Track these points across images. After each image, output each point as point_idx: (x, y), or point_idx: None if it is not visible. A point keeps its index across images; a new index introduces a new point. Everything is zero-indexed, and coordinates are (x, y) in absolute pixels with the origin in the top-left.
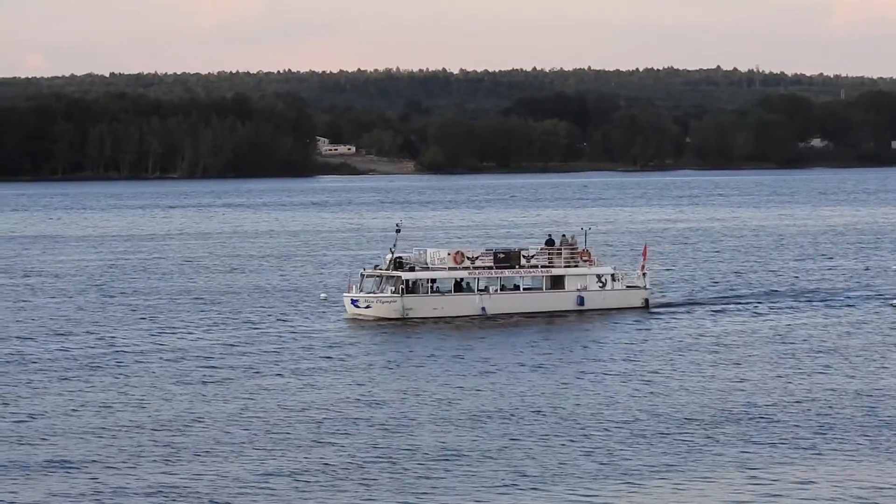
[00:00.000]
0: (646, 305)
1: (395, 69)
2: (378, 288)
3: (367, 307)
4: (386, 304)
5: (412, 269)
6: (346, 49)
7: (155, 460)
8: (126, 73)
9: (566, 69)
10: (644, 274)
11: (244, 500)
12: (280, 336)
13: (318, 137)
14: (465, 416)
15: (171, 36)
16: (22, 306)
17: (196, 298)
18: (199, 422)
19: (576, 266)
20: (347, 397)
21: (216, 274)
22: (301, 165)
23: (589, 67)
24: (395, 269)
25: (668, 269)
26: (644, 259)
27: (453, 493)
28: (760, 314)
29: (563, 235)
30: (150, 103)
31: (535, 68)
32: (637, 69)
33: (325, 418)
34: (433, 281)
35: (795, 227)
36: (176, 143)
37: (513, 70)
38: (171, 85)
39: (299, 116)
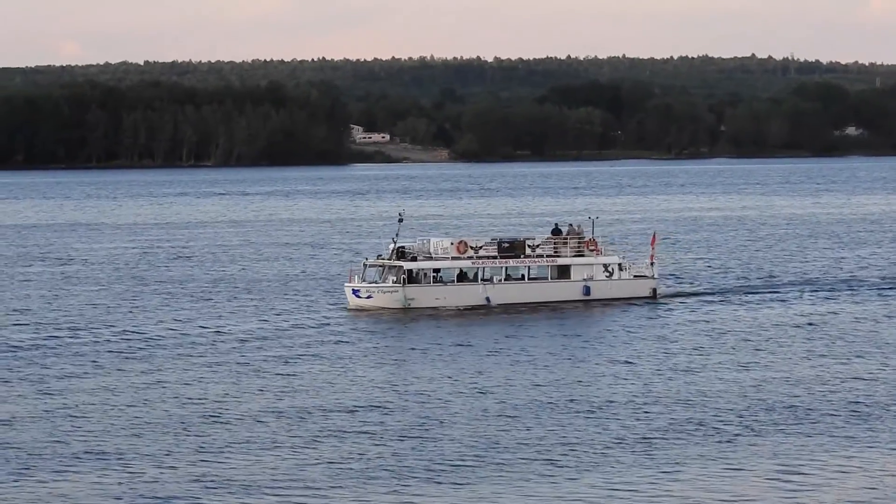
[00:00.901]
0: (653, 295)
1: (429, 57)
2: (381, 278)
3: (369, 297)
4: (387, 294)
5: (414, 259)
6: (380, 37)
7: (188, 449)
8: (161, 61)
9: (600, 57)
10: (652, 263)
11: (279, 489)
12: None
13: (352, 126)
14: (489, 407)
15: (205, 24)
16: (57, 294)
17: (221, 286)
18: (227, 411)
19: (582, 255)
20: (363, 387)
21: (245, 262)
22: (335, 154)
23: (623, 55)
24: (398, 258)
25: (682, 259)
26: (653, 248)
27: (487, 481)
28: (775, 304)
29: (570, 224)
30: (185, 91)
31: (569, 56)
32: (671, 57)
33: (353, 407)
34: (437, 271)
35: (828, 216)
36: (210, 131)
37: (547, 58)
38: (205, 73)
39: (333, 105)
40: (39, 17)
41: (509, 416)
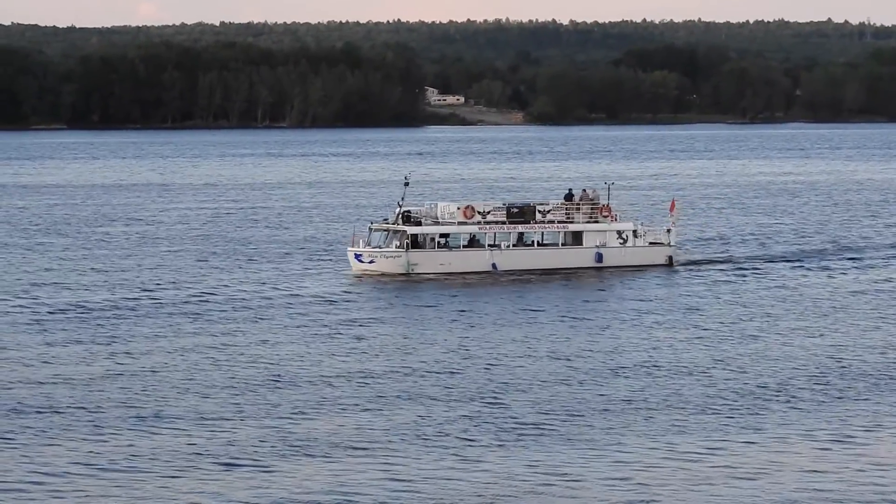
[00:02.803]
0: (670, 263)
1: (504, 20)
2: (385, 242)
3: (371, 262)
4: (390, 260)
5: (419, 224)
6: None
7: (257, 411)
8: (236, 21)
9: (676, 21)
10: (669, 230)
11: (346, 453)
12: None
13: (427, 88)
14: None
15: None
16: (131, 254)
17: (295, 248)
18: (294, 373)
19: (595, 222)
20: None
21: (318, 224)
22: (410, 115)
23: (699, 19)
24: (404, 223)
25: (713, 226)
26: (672, 214)
27: (545, 450)
28: (798, 273)
29: (584, 190)
30: (260, 52)
31: (644, 20)
32: (747, 21)
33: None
34: (444, 236)
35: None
36: (285, 92)
37: (623, 21)
38: (281, 34)
39: (408, 66)
40: None
41: (538, 385)
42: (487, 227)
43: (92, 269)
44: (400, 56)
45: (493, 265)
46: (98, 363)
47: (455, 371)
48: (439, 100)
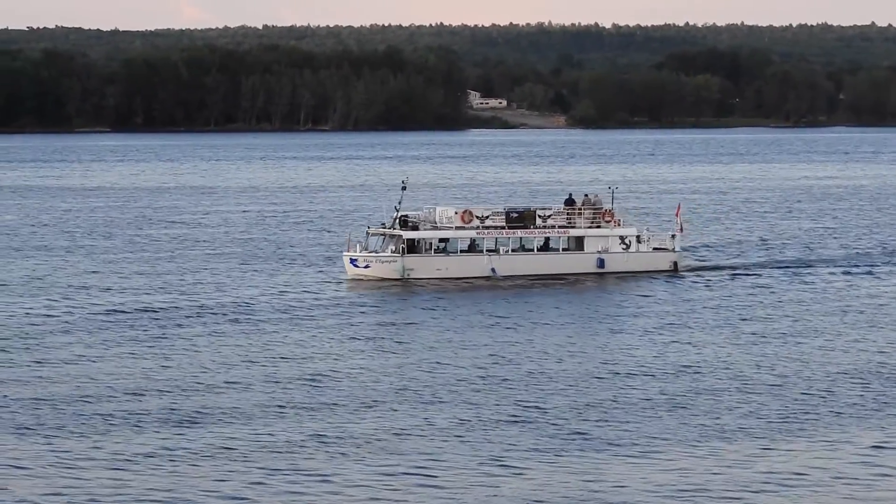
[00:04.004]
0: (675, 269)
1: (547, 23)
2: (381, 247)
3: (366, 267)
4: (385, 264)
5: (415, 228)
6: (498, 2)
7: (297, 409)
8: (279, 25)
9: (719, 24)
10: (674, 235)
11: (383, 455)
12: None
13: (470, 91)
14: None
15: None
16: (171, 256)
17: (334, 250)
18: (331, 371)
19: (598, 227)
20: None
21: (359, 226)
22: (452, 118)
23: (742, 23)
24: (401, 227)
25: (726, 232)
26: (678, 219)
27: (587, 456)
28: (807, 280)
29: (586, 195)
30: (303, 55)
31: (687, 23)
32: (790, 25)
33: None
34: (444, 240)
35: None
36: (328, 95)
37: (665, 25)
38: (323, 37)
39: (451, 69)
40: None
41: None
42: (486, 231)
43: (136, 272)
44: (442, 59)
45: (492, 270)
46: (136, 365)
47: (486, 375)
48: (482, 103)
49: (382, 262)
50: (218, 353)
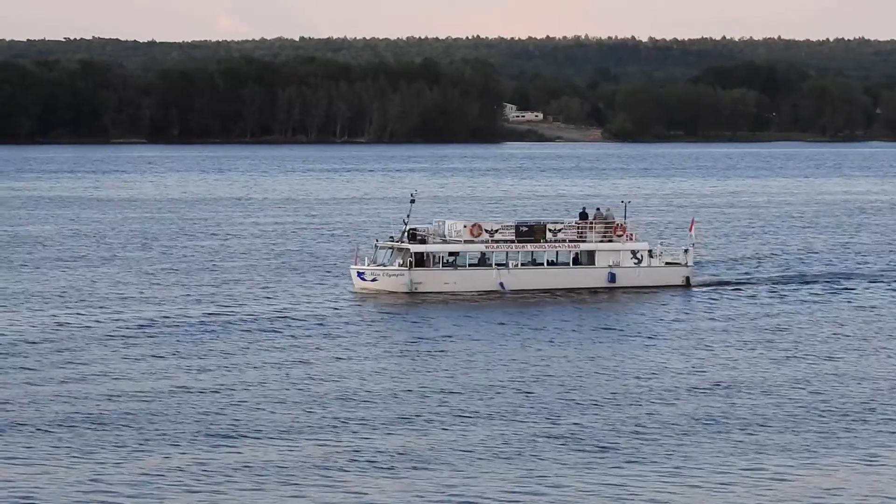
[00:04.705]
0: (687, 284)
1: (583, 36)
2: (389, 260)
3: (374, 280)
4: (393, 278)
5: (423, 242)
6: (535, 15)
7: (333, 425)
8: (316, 37)
9: (756, 38)
10: (687, 250)
11: (414, 469)
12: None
13: (506, 104)
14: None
15: (361, 0)
16: (207, 268)
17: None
18: (363, 389)
19: (609, 241)
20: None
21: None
22: (488, 131)
23: (779, 37)
24: (409, 240)
25: (740, 246)
26: (691, 233)
27: (617, 470)
28: (819, 296)
29: (598, 209)
30: (339, 67)
31: (724, 37)
32: (827, 39)
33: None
34: (454, 254)
35: None
36: (364, 107)
37: (702, 38)
38: (360, 49)
39: (487, 82)
40: None
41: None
42: (495, 245)
43: (172, 284)
44: (479, 72)
45: (501, 284)
46: (171, 378)
47: (516, 391)
48: (518, 116)
49: (390, 276)
50: (252, 366)
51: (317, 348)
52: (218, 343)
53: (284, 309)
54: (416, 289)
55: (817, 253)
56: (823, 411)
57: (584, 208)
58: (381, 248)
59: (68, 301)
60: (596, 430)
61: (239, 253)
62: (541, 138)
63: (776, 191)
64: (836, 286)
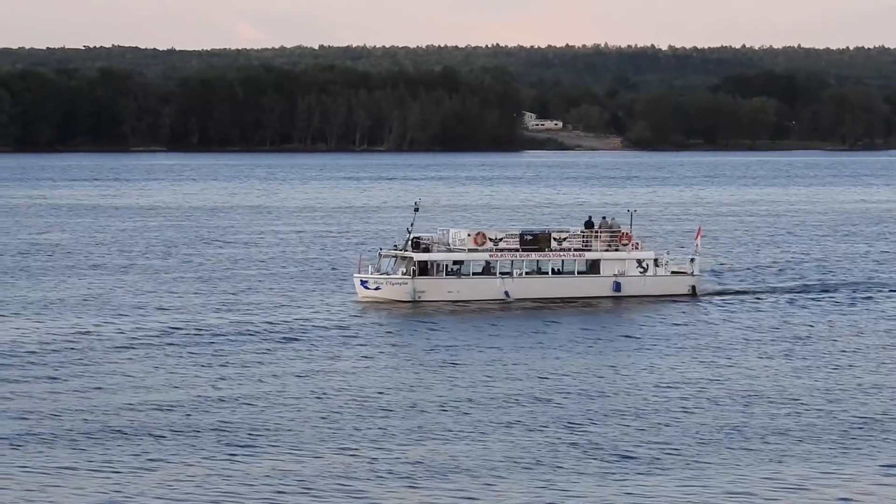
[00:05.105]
0: (693, 293)
1: (603, 45)
2: (393, 269)
3: (377, 289)
4: (396, 287)
5: (426, 250)
6: (554, 24)
7: (369, 435)
8: (335, 45)
9: (775, 47)
10: (693, 259)
11: (439, 479)
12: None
13: (525, 112)
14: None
15: (380, 8)
16: (226, 276)
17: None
18: (399, 398)
19: (614, 250)
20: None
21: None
22: (507, 140)
23: (798, 45)
24: (413, 249)
25: (751, 255)
26: (697, 242)
27: (644, 480)
28: (823, 305)
29: (603, 217)
30: (359, 75)
31: (743, 45)
32: (847, 48)
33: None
34: (458, 263)
35: None
36: (383, 115)
37: (721, 47)
38: (379, 58)
39: (506, 90)
40: (217, 1)
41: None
42: (499, 254)
43: (191, 292)
44: (498, 80)
45: (505, 293)
46: (190, 385)
47: (535, 399)
48: (537, 124)
49: (393, 285)
50: (271, 374)
51: (331, 357)
52: (235, 351)
53: (298, 318)
54: (419, 297)
55: (830, 262)
56: (843, 420)
57: (589, 217)
58: (385, 256)
59: (88, 309)
60: (614, 439)
61: (257, 261)
62: (560, 147)
63: (793, 199)
64: (851, 295)
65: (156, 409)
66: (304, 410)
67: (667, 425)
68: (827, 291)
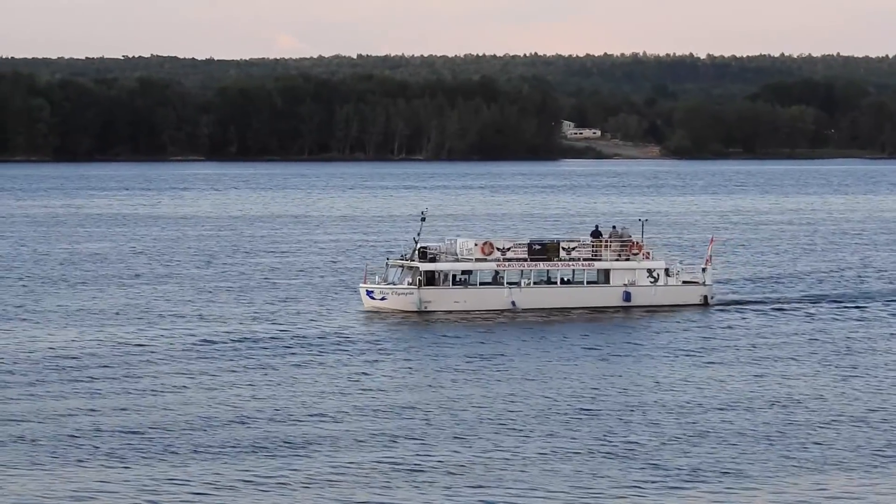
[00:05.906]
0: (705, 302)
1: (641, 53)
2: (399, 279)
3: (383, 299)
4: (402, 297)
5: (433, 260)
6: (593, 32)
7: (390, 438)
8: (373, 54)
9: (814, 55)
10: (704, 269)
11: (469, 484)
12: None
13: (564, 121)
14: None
15: (419, 18)
16: (265, 285)
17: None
18: (416, 401)
19: (625, 259)
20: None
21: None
22: (546, 149)
23: (838, 54)
24: (420, 259)
25: (769, 265)
26: (710, 252)
27: (678, 488)
28: (839, 316)
29: (613, 227)
30: (397, 85)
31: (782, 54)
32: (887, 56)
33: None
34: (466, 272)
35: None
36: (422, 124)
37: (760, 55)
38: (417, 67)
39: (545, 99)
40: (256, 10)
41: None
42: (507, 264)
43: (230, 301)
44: (536, 89)
45: (512, 303)
46: (228, 394)
47: (568, 407)
48: (575, 133)
49: (399, 295)
50: (309, 381)
51: (366, 362)
52: (272, 363)
53: (328, 329)
54: (425, 307)
55: (843, 271)
56: (885, 430)
57: (596, 226)
58: (392, 266)
59: (127, 318)
60: (649, 447)
61: (297, 270)
62: (599, 155)
63: (832, 208)
64: (866, 305)
65: (195, 419)
66: (343, 418)
67: (704, 433)
68: (849, 302)
